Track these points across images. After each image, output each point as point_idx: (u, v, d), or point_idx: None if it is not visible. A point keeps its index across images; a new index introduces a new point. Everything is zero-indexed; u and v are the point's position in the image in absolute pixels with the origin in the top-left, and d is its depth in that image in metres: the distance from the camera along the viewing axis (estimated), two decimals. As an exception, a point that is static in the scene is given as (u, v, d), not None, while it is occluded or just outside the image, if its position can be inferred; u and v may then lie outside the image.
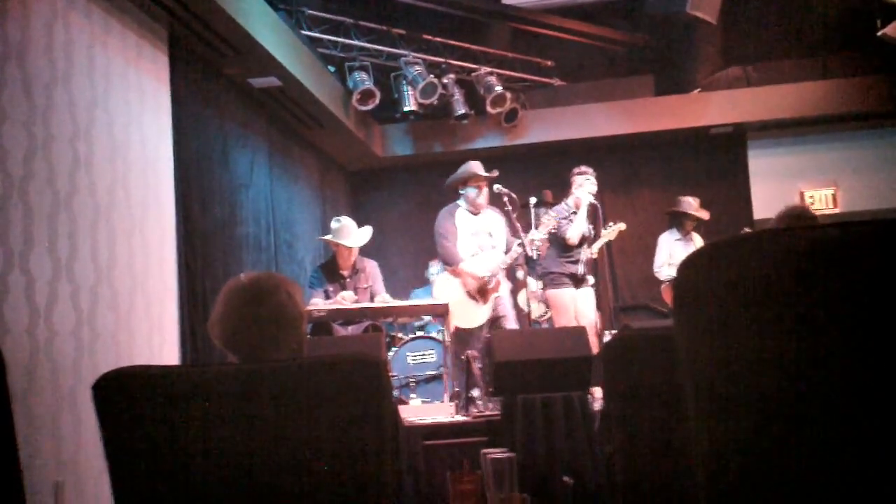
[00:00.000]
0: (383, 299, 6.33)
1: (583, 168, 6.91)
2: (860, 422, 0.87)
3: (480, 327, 6.45)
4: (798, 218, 3.79)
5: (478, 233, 6.53)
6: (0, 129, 3.82)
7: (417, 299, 7.82)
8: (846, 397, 0.88)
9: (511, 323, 6.60)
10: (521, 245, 6.32)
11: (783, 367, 0.90)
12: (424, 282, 8.79)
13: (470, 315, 6.39)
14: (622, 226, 7.40)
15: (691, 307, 0.99)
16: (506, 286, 6.67)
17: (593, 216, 6.88)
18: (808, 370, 0.89)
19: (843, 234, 0.91)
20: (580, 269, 6.75)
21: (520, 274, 6.88)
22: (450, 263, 6.47)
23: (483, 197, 6.54)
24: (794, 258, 0.90)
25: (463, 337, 6.45)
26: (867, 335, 0.87)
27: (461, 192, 6.64)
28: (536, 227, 6.38)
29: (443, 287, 6.48)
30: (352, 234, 6.47)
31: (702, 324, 0.97)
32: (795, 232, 0.92)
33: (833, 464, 0.88)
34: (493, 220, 6.60)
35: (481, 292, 6.38)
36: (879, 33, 7.55)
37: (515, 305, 7.09)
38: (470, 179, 6.56)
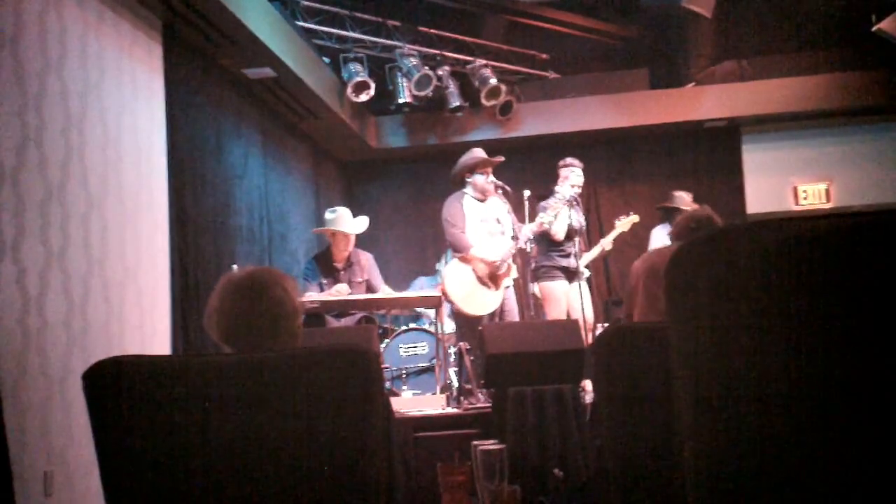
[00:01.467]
0: (385, 292, 6.31)
1: (568, 160, 6.89)
2: (857, 416, 0.87)
3: (492, 314, 6.39)
4: (696, 222, 3.82)
5: (486, 219, 6.47)
6: (-8, 118, 3.81)
7: (419, 288, 7.83)
8: (843, 392, 0.87)
9: (514, 318, 6.56)
10: (515, 238, 6.31)
11: (776, 361, 0.90)
12: (425, 270, 8.77)
13: (482, 302, 6.32)
14: (635, 218, 7.40)
15: (682, 300, 0.99)
16: (511, 279, 6.62)
17: (579, 207, 6.85)
18: (802, 363, 0.89)
19: (836, 226, 0.90)
20: (572, 262, 6.72)
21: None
22: (459, 250, 6.38)
23: (490, 183, 6.50)
24: (785, 250, 0.90)
25: (475, 325, 6.40)
26: (864, 328, 0.87)
27: (468, 179, 6.58)
28: (531, 222, 6.39)
29: (453, 275, 6.38)
30: (348, 222, 6.47)
31: (693, 317, 0.97)
32: (787, 224, 0.92)
33: (828, 459, 0.88)
34: (500, 207, 6.55)
35: (493, 278, 6.33)
36: (874, 28, 7.57)
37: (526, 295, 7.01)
38: (478, 165, 6.53)
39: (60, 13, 4.44)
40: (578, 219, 6.79)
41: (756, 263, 0.90)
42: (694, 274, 0.96)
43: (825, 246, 0.88)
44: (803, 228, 0.89)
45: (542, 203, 6.71)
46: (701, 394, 0.97)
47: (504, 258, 6.27)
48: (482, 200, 6.51)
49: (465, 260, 6.33)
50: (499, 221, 6.47)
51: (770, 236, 0.90)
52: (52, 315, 4.14)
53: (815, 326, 0.88)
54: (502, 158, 6.59)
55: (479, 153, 6.60)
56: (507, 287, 6.46)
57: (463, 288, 6.21)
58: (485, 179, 6.46)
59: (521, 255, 6.55)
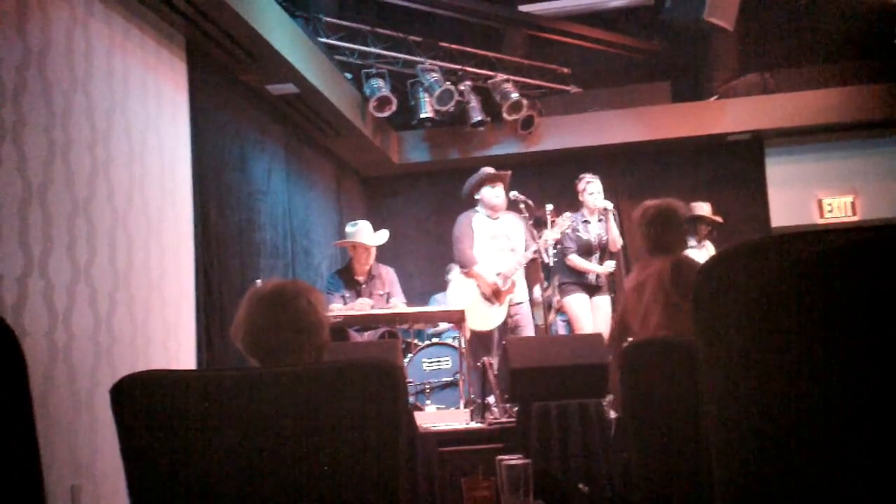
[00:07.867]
0: (395, 304, 6.33)
1: (582, 175, 6.94)
2: (886, 434, 0.85)
3: (496, 330, 6.43)
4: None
5: (496, 236, 6.52)
6: (20, 135, 3.85)
7: (436, 305, 7.83)
8: (884, 412, 0.86)
9: (528, 334, 6.56)
10: (537, 251, 6.31)
11: (812, 378, 0.88)
12: (444, 286, 8.77)
13: (484, 317, 6.37)
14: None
15: (709, 313, 0.98)
16: (525, 293, 6.64)
17: (606, 220, 6.82)
18: (839, 381, 0.87)
19: (875, 238, 0.89)
20: (591, 277, 6.72)
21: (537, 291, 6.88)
22: (464, 265, 6.49)
23: (501, 197, 6.54)
24: (821, 263, 0.88)
25: (480, 340, 6.43)
26: (893, 343, 0.85)
27: (477, 196, 6.66)
28: (551, 229, 6.41)
29: (457, 289, 6.48)
30: (368, 234, 6.50)
31: (720, 330, 0.96)
32: (818, 236, 0.90)
33: (868, 483, 0.86)
34: (512, 223, 6.58)
35: (496, 294, 6.37)
36: (898, 40, 7.53)
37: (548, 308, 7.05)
38: (486, 180, 6.58)
39: (87, 31, 4.50)
40: (598, 233, 6.76)
41: (791, 277, 0.89)
42: (725, 287, 0.95)
43: (864, 259, 0.86)
44: (840, 240, 0.87)
45: (571, 214, 6.73)
46: (730, 411, 0.96)
47: (507, 274, 6.32)
48: (494, 217, 6.55)
49: (468, 275, 6.40)
50: (509, 238, 6.50)
51: (805, 249, 0.89)
52: (79, 329, 4.17)
53: (853, 343, 0.86)
54: (509, 172, 6.62)
55: (485, 169, 6.66)
56: (521, 303, 6.49)
57: (466, 303, 6.26)
58: (493, 194, 6.50)
59: (533, 268, 6.60)
